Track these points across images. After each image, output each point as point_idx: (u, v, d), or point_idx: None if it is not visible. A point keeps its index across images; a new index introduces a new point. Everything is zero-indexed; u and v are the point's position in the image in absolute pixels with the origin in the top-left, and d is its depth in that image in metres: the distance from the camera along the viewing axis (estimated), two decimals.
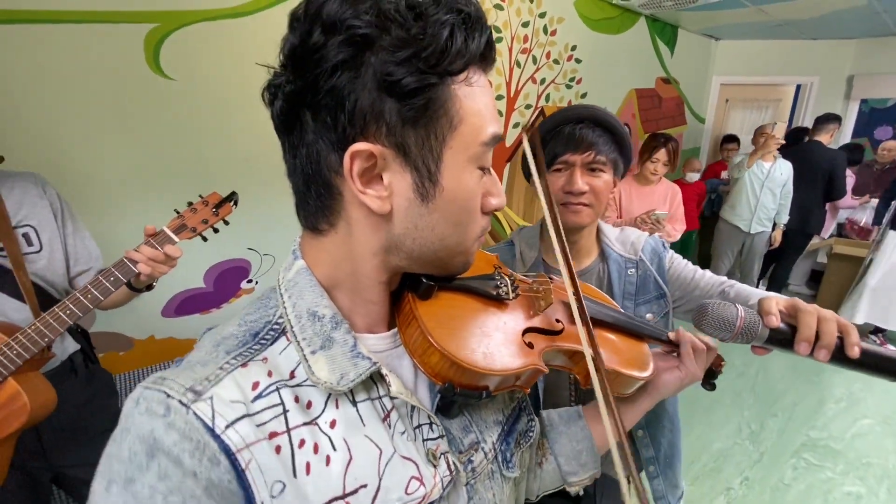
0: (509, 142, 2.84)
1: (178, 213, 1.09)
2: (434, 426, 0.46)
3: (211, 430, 0.34)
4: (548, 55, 2.91)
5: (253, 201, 1.83)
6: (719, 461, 2.35)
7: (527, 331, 0.50)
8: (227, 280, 1.99)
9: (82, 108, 1.49)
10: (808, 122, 4.58)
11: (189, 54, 1.64)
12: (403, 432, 0.43)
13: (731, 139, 4.55)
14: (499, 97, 2.70)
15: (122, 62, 1.53)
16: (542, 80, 2.93)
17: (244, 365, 0.38)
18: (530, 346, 0.49)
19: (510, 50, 2.67)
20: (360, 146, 0.36)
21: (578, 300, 0.52)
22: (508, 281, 0.53)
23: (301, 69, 0.36)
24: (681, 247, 3.57)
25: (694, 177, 3.74)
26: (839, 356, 0.55)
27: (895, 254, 3.30)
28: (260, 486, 0.35)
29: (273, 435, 0.36)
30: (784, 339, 0.57)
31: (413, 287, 0.46)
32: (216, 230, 1.15)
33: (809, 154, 3.44)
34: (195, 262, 1.87)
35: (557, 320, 0.55)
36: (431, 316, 0.44)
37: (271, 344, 0.40)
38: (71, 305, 0.99)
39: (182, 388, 0.35)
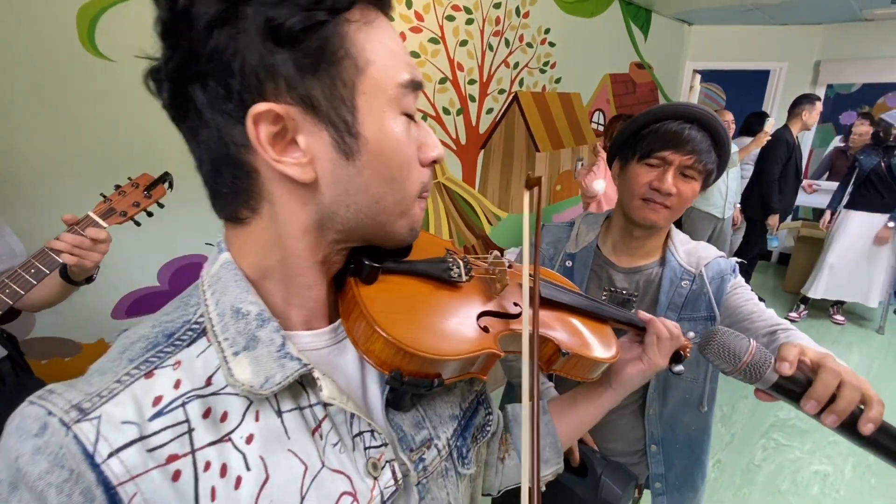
0: (483, 128, 2.76)
1: (104, 196, 1.03)
2: (376, 434, 0.41)
3: (90, 458, 0.30)
4: (521, 38, 2.83)
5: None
6: None
7: (482, 315, 0.47)
8: (185, 278, 1.87)
9: (2, 93, 1.34)
10: (777, 108, 4.66)
11: (129, 33, 1.50)
12: (336, 443, 0.39)
13: None
14: (471, 81, 2.61)
15: (51, 41, 1.38)
16: (516, 65, 2.85)
17: (149, 374, 0.34)
18: (485, 329, 0.46)
19: (482, 32, 2.58)
20: (259, 107, 0.33)
21: (535, 280, 0.49)
22: (462, 263, 0.49)
23: (175, 40, 0.33)
24: None
25: None
26: (850, 428, 0.49)
27: (851, 232, 3.52)
28: None
29: (172, 458, 0.33)
30: (792, 390, 0.52)
31: (356, 271, 0.42)
32: (150, 214, 1.07)
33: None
34: (147, 258, 1.74)
35: (515, 304, 0.52)
36: (375, 300, 0.41)
37: (188, 345, 0.37)
38: None
39: (67, 405, 0.31)
